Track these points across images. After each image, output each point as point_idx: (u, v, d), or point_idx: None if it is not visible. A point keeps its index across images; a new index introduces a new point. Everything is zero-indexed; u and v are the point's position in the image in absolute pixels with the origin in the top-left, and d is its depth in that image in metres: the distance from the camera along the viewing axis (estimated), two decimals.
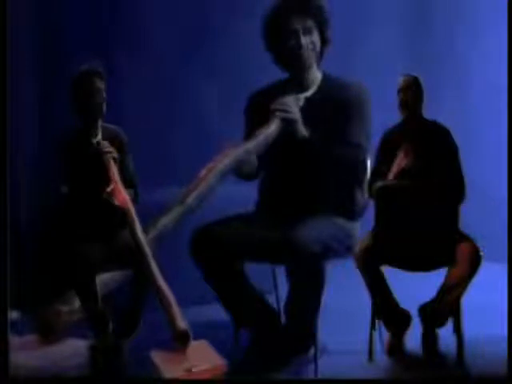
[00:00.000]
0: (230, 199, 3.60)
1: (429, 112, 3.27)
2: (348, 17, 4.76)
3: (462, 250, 3.08)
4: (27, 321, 3.57)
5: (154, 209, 3.07)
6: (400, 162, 3.16)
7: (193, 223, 3.14)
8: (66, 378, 3.02)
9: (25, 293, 3.82)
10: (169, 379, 2.77)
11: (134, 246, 2.97)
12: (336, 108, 3.18)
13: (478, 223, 3.64)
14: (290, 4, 3.20)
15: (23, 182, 4.15)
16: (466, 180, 3.18)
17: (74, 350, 3.17)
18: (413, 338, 3.24)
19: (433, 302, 3.16)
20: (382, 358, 3.23)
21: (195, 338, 2.95)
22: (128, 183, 3.14)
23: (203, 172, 2.99)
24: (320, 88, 3.27)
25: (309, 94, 3.25)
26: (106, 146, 3.12)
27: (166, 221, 2.99)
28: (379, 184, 3.17)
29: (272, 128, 3.08)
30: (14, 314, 3.69)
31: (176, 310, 2.88)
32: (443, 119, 3.28)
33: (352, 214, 3.25)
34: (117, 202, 3.01)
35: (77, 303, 3.14)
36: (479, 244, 3.12)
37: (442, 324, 3.18)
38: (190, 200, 2.98)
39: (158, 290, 2.90)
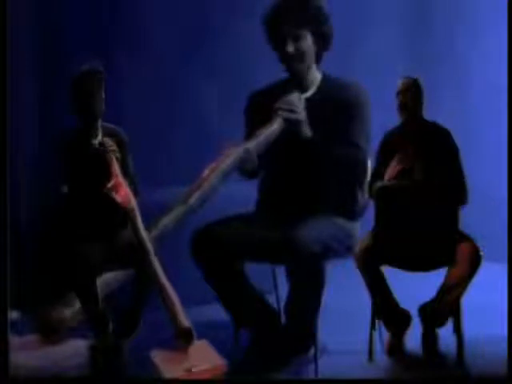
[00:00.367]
0: (231, 199, 3.60)
1: (429, 112, 3.27)
2: (348, 17, 4.75)
3: (462, 249, 3.08)
4: (27, 321, 3.57)
5: (155, 208, 3.08)
6: (396, 164, 3.16)
7: (193, 223, 3.14)
8: (66, 378, 3.02)
9: (25, 293, 3.82)
10: (169, 379, 2.78)
11: (136, 243, 2.97)
12: (336, 108, 3.18)
13: (477, 223, 3.64)
14: (286, 6, 3.19)
15: (23, 182, 4.15)
16: (467, 180, 3.18)
17: (74, 350, 3.17)
18: (413, 338, 3.24)
19: (433, 301, 3.16)
20: (382, 358, 3.22)
21: (195, 338, 2.95)
22: (128, 183, 3.14)
23: (206, 172, 3.00)
24: (320, 88, 3.27)
25: (308, 94, 3.25)
26: (110, 143, 3.12)
27: (167, 220, 3.01)
28: (379, 184, 3.17)
29: (274, 127, 3.08)
30: (13, 314, 3.69)
31: (179, 307, 2.88)
32: (443, 120, 3.28)
33: (352, 214, 3.26)
34: (118, 198, 3.01)
35: (77, 303, 3.14)
36: (479, 244, 3.12)
37: (442, 324, 3.18)
38: (193, 200, 2.99)
39: (161, 288, 2.91)
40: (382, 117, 3.22)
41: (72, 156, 3.17)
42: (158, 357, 2.88)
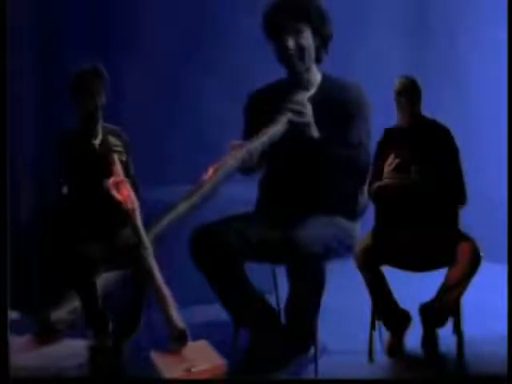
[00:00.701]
0: (230, 199, 3.60)
1: (429, 112, 3.26)
2: (348, 17, 4.75)
3: (463, 249, 3.08)
4: (27, 321, 3.57)
5: (155, 208, 3.08)
6: (392, 162, 3.15)
7: (193, 223, 3.14)
8: (66, 378, 3.02)
9: (25, 293, 3.82)
10: (169, 379, 2.78)
11: (135, 243, 2.97)
12: (337, 109, 3.18)
13: (477, 223, 3.63)
14: (286, 3, 3.20)
15: (23, 182, 4.15)
16: (466, 180, 3.18)
17: (73, 350, 3.17)
18: (413, 338, 3.24)
19: (433, 301, 3.16)
20: (381, 358, 3.22)
21: (195, 338, 2.95)
22: (130, 183, 3.14)
23: (208, 173, 3.00)
24: (320, 89, 3.27)
25: (309, 94, 3.24)
26: (115, 142, 3.12)
27: (169, 219, 3.00)
28: (377, 184, 3.16)
29: (278, 128, 3.08)
30: (13, 314, 3.69)
31: (174, 309, 2.88)
32: (443, 119, 3.28)
33: (353, 214, 3.26)
34: (120, 197, 3.01)
35: (77, 303, 3.14)
36: (479, 244, 3.12)
37: (442, 324, 3.18)
38: (194, 199, 2.99)
39: (157, 289, 2.91)
40: (382, 117, 3.22)
41: (72, 156, 3.17)
42: (158, 357, 2.88)
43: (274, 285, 3.45)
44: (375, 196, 3.18)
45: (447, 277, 3.12)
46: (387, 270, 3.19)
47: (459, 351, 3.15)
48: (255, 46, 3.46)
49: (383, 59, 5.03)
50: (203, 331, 2.98)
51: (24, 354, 3.13)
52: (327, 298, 3.08)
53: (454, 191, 3.15)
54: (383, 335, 3.28)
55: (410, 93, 3.17)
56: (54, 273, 3.61)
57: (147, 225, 3.04)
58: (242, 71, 4.57)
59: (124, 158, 3.16)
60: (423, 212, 3.14)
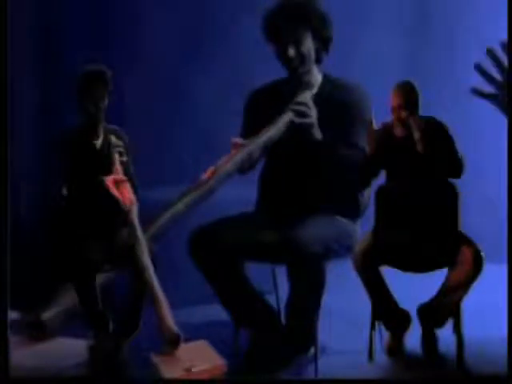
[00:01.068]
0: (230, 199, 3.60)
1: (429, 112, 3.26)
2: (348, 18, 4.74)
3: (465, 253, 3.05)
4: (26, 321, 3.57)
5: (153, 208, 3.08)
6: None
7: (193, 223, 3.14)
8: (66, 378, 3.02)
9: (25, 293, 3.82)
10: (169, 379, 2.78)
11: (132, 243, 2.97)
12: (338, 109, 3.18)
13: (477, 224, 3.63)
14: (285, 9, 3.19)
15: (23, 182, 4.15)
16: (466, 179, 3.16)
17: (73, 349, 3.17)
18: (413, 338, 3.24)
19: (431, 302, 3.16)
20: (381, 358, 3.22)
21: (195, 338, 2.95)
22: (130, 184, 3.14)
23: (207, 173, 3.00)
24: (321, 89, 3.27)
25: (310, 94, 3.24)
26: (118, 143, 3.12)
27: (164, 219, 3.00)
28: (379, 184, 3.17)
29: (279, 128, 3.08)
30: (13, 314, 3.69)
31: (167, 312, 2.87)
32: (443, 119, 3.27)
33: (353, 214, 3.26)
34: (120, 196, 3.01)
35: (76, 303, 3.14)
36: (479, 244, 3.11)
37: (441, 325, 3.18)
38: (189, 200, 2.99)
39: (152, 291, 2.90)
40: (382, 117, 3.22)
41: (72, 156, 3.16)
42: (158, 357, 2.88)
43: (274, 285, 3.45)
44: (376, 196, 3.17)
45: (448, 279, 3.11)
46: (387, 270, 3.19)
47: (459, 351, 3.15)
48: (255, 46, 3.46)
49: (383, 59, 5.03)
50: (203, 331, 2.98)
51: (24, 353, 3.13)
52: (327, 298, 3.08)
53: (449, 163, 3.10)
54: (383, 335, 3.28)
55: (404, 97, 3.09)
56: (54, 273, 3.61)
57: (145, 225, 3.03)
58: (242, 71, 4.57)
59: (125, 159, 3.16)
60: (423, 212, 3.13)
